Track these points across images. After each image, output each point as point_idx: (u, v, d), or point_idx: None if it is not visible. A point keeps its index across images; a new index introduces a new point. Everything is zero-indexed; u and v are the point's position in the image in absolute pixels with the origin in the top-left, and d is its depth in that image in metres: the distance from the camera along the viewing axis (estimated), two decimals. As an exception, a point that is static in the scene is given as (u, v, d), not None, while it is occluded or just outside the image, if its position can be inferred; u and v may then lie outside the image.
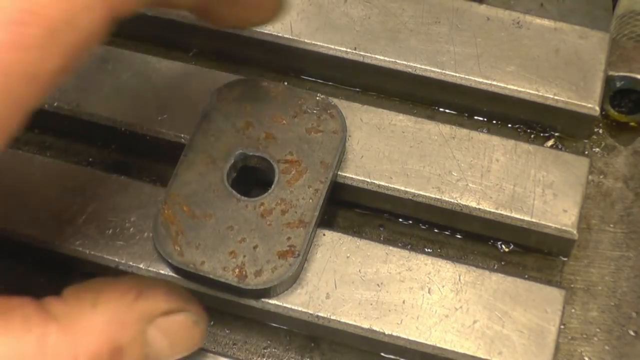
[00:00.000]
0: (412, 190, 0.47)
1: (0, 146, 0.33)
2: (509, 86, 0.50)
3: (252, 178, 0.47)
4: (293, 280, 0.44)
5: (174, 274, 0.45)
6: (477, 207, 0.47)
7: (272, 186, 0.45)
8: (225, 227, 0.44)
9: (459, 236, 0.50)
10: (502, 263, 0.49)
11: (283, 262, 0.43)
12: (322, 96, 0.48)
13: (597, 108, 0.50)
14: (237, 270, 0.43)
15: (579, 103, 0.50)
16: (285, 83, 0.52)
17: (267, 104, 0.48)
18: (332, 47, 0.52)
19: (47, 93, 0.33)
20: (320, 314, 0.44)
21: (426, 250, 0.49)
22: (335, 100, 0.49)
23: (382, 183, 0.48)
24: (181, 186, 0.45)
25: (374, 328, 0.44)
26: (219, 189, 0.45)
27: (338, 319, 0.44)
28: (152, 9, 0.51)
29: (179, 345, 0.40)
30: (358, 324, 0.44)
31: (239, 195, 0.45)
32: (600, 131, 0.53)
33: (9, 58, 0.31)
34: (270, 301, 0.44)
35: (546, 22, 0.52)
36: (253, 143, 0.47)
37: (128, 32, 0.55)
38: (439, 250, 0.49)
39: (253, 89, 0.48)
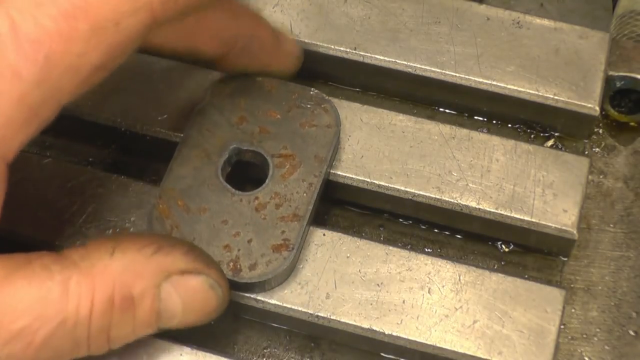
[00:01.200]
0: (412, 190, 0.47)
1: (32, 131, 0.34)
2: (509, 86, 0.50)
3: (246, 173, 0.47)
4: (287, 274, 0.44)
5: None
6: (477, 207, 0.47)
7: (267, 180, 0.46)
8: (220, 221, 0.44)
9: (459, 236, 0.50)
10: (502, 263, 0.49)
11: (277, 256, 0.43)
12: (315, 91, 0.48)
13: (597, 108, 0.50)
14: (231, 263, 0.43)
15: (579, 103, 0.50)
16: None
17: (261, 99, 0.48)
18: (332, 47, 0.52)
19: (84, 89, 0.35)
20: (320, 314, 0.44)
21: (426, 250, 0.49)
22: (335, 100, 0.49)
23: (382, 183, 0.48)
24: (176, 181, 0.45)
25: (374, 328, 0.44)
26: (214, 184, 0.45)
27: (338, 319, 0.44)
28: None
29: (193, 307, 0.40)
30: (358, 324, 0.44)
31: (233, 190, 0.45)
32: (600, 131, 0.53)
33: (56, 48, 0.33)
34: (270, 301, 0.44)
35: (546, 22, 0.52)
36: (247, 137, 0.47)
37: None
38: (439, 250, 0.49)
39: (247, 83, 0.48)
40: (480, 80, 0.51)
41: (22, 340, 0.35)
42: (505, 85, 0.50)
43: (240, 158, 0.47)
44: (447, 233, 0.50)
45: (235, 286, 0.44)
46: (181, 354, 0.43)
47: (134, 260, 0.38)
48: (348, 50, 0.52)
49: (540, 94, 0.50)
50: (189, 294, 0.39)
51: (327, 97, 0.48)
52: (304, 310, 0.44)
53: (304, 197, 0.45)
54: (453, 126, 0.49)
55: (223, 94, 0.48)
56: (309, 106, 0.48)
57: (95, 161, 0.52)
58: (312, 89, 0.48)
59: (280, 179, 0.46)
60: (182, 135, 0.48)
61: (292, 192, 0.45)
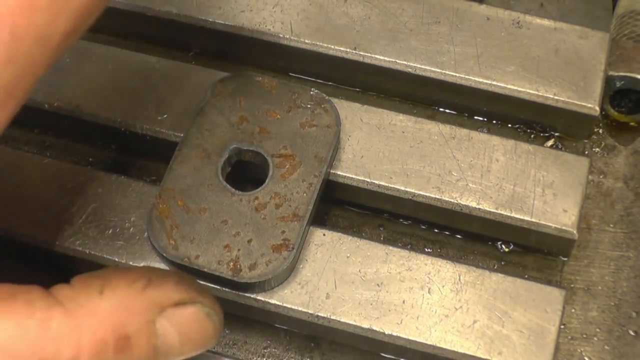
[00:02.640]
0: (412, 190, 0.47)
1: (10, 111, 0.33)
2: (509, 86, 0.50)
3: (245, 173, 0.47)
4: (287, 273, 0.44)
5: (167, 269, 0.45)
6: (477, 207, 0.47)
7: (267, 180, 0.46)
8: (220, 221, 0.44)
9: (459, 236, 0.50)
10: (502, 263, 0.49)
11: (277, 256, 0.43)
12: (315, 90, 0.48)
13: (597, 108, 0.50)
14: (231, 263, 0.43)
15: (579, 103, 0.50)
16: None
17: (261, 99, 0.48)
18: (332, 47, 0.52)
19: (56, 57, 0.34)
20: (320, 314, 0.44)
21: (426, 250, 0.49)
22: (335, 100, 0.49)
23: (382, 183, 0.48)
24: (175, 181, 0.45)
25: (374, 328, 0.44)
26: (214, 184, 0.45)
27: (338, 319, 0.44)
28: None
29: (190, 338, 0.39)
30: (358, 324, 0.44)
31: (233, 190, 0.45)
32: (600, 131, 0.53)
33: (20, 21, 0.32)
34: (270, 301, 0.44)
35: (546, 22, 0.52)
36: (247, 137, 0.47)
37: (128, 32, 0.55)
38: (439, 250, 0.49)
39: (247, 83, 0.48)
40: (480, 80, 0.51)
41: None
42: (505, 85, 0.50)
43: (240, 158, 0.47)
44: (447, 233, 0.50)
45: (235, 286, 0.44)
46: (181, 354, 0.43)
47: (126, 297, 0.36)
48: (348, 50, 0.52)
49: (540, 94, 0.50)
50: (185, 325, 0.38)
51: (327, 97, 0.48)
52: (304, 310, 0.44)
53: (304, 197, 0.45)
54: (453, 126, 0.49)
55: (223, 94, 0.48)
56: (309, 106, 0.48)
57: (95, 161, 0.52)
58: (312, 88, 0.48)
59: (280, 179, 0.46)
60: (182, 135, 0.48)
61: (292, 192, 0.45)
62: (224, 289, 0.45)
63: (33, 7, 0.32)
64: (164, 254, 0.43)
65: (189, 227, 0.44)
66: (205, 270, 0.43)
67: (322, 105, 0.48)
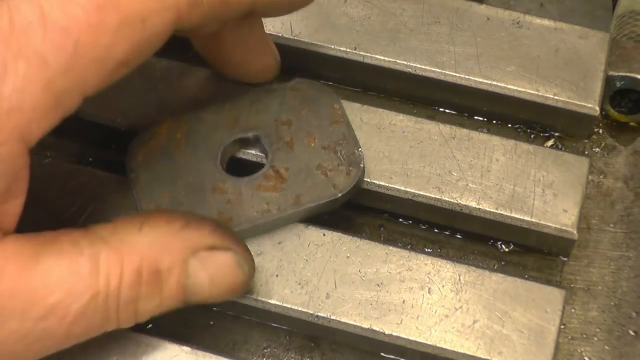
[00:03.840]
0: (412, 190, 0.47)
1: (52, 121, 0.35)
2: (509, 86, 0.50)
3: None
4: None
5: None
6: (477, 207, 0.47)
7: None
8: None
9: (459, 236, 0.50)
10: (502, 263, 0.49)
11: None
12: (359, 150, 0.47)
13: (597, 108, 0.50)
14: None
15: (579, 103, 0.50)
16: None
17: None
18: (332, 47, 0.52)
19: (107, 83, 0.35)
20: (320, 314, 0.44)
21: (426, 250, 0.49)
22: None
23: (382, 183, 0.48)
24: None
25: (374, 328, 0.44)
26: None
27: (338, 319, 0.44)
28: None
29: (219, 284, 0.40)
30: (358, 324, 0.44)
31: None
32: (600, 131, 0.53)
33: (84, 38, 0.33)
34: (270, 301, 0.44)
35: (546, 22, 0.52)
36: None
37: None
38: (439, 250, 0.49)
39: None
40: (480, 80, 0.51)
41: (56, 315, 0.35)
42: (505, 85, 0.50)
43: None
44: (447, 233, 0.50)
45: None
46: (181, 354, 0.43)
47: (162, 235, 0.38)
48: (348, 50, 0.52)
49: (540, 94, 0.50)
50: (216, 270, 0.40)
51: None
52: (304, 310, 0.44)
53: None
54: (453, 126, 0.49)
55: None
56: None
57: (95, 161, 0.52)
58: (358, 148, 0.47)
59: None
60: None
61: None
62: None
63: (100, 29, 0.34)
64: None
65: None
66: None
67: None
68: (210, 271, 0.39)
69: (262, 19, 0.47)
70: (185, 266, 0.39)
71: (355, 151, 0.46)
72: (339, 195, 0.45)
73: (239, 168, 0.47)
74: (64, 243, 0.36)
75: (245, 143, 0.48)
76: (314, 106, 0.48)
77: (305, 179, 0.46)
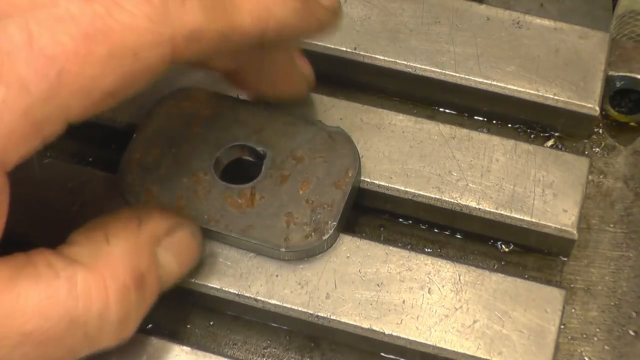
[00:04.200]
0: (412, 190, 0.47)
1: (32, 146, 0.34)
2: (509, 86, 0.50)
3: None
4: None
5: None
6: (477, 207, 0.47)
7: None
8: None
9: (459, 236, 0.50)
10: (502, 263, 0.49)
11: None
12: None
13: (597, 108, 0.50)
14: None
15: (579, 103, 0.50)
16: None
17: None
18: (332, 47, 0.52)
19: (93, 112, 0.35)
20: (320, 314, 0.44)
21: (426, 250, 0.49)
22: (335, 100, 0.49)
23: (382, 183, 0.48)
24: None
25: (374, 328, 0.44)
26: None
27: (338, 319, 0.44)
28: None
29: (185, 260, 0.42)
30: (358, 324, 0.44)
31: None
32: (600, 131, 0.53)
33: (69, 67, 0.33)
34: (270, 301, 0.44)
35: (546, 22, 0.52)
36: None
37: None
38: (439, 250, 0.49)
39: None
40: (480, 80, 0.51)
41: (33, 341, 0.35)
42: (505, 85, 0.50)
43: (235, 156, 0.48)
44: (447, 233, 0.50)
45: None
46: (181, 354, 0.43)
47: (129, 239, 0.38)
48: (348, 50, 0.52)
49: (540, 94, 0.50)
50: (179, 249, 0.41)
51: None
52: (304, 310, 0.44)
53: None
54: (453, 126, 0.49)
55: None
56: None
57: (95, 161, 0.52)
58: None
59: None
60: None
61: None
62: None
63: (87, 59, 0.33)
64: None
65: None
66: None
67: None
68: (175, 253, 0.41)
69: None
70: (157, 259, 0.40)
71: (329, 222, 0.44)
72: (282, 250, 0.44)
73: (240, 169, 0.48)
74: (39, 266, 0.36)
75: (252, 152, 0.47)
76: (331, 161, 0.46)
77: (268, 216, 0.45)
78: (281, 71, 0.47)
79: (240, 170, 0.48)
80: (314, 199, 0.45)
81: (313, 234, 0.44)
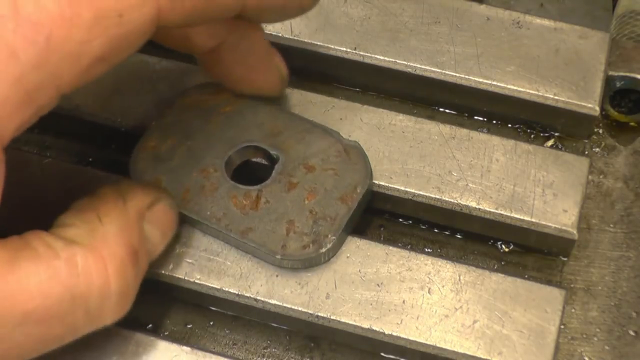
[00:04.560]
0: (412, 190, 0.47)
1: (26, 117, 0.34)
2: (509, 86, 0.50)
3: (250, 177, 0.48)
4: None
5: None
6: (477, 207, 0.47)
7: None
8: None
9: (459, 236, 0.50)
10: (502, 263, 0.49)
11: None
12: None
13: (597, 108, 0.50)
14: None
15: (579, 103, 0.50)
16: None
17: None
18: (332, 47, 0.52)
19: (84, 80, 0.35)
20: (320, 314, 0.44)
21: (426, 250, 0.49)
22: (335, 100, 0.49)
23: (382, 183, 0.48)
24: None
25: (374, 328, 0.44)
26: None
27: (338, 319, 0.44)
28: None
29: (166, 231, 0.43)
30: (358, 324, 0.44)
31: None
32: (600, 131, 0.53)
33: (57, 32, 0.33)
34: (270, 301, 0.44)
35: (546, 22, 0.52)
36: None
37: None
38: (439, 250, 0.49)
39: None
40: (480, 80, 0.51)
41: (35, 320, 0.35)
42: (505, 85, 0.50)
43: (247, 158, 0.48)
44: (447, 233, 0.50)
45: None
46: (181, 354, 0.43)
47: (120, 216, 0.39)
48: (348, 50, 0.52)
49: (540, 94, 0.50)
50: (161, 222, 0.42)
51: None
52: (304, 310, 0.44)
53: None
54: (453, 126, 0.49)
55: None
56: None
57: (95, 161, 0.52)
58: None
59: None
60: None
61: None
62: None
63: (73, 23, 0.33)
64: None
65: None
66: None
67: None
68: (159, 225, 0.42)
69: (265, 37, 0.47)
70: (144, 233, 0.41)
71: (329, 236, 0.44)
72: (278, 257, 0.44)
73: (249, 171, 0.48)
74: (39, 247, 0.36)
75: (265, 155, 0.47)
76: (341, 174, 0.46)
77: (270, 221, 0.45)
78: (256, 57, 0.46)
79: (250, 171, 0.48)
80: (318, 210, 0.45)
81: (311, 244, 0.44)
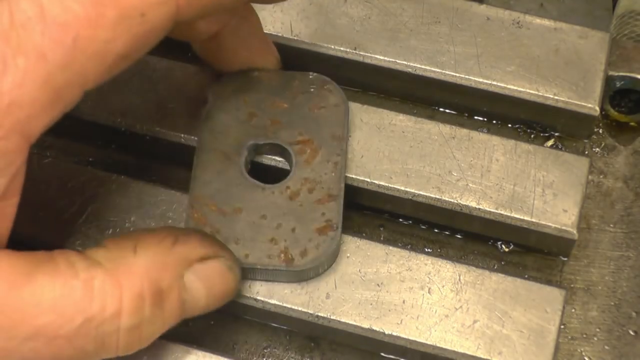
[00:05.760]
0: (412, 190, 0.47)
1: (54, 115, 0.35)
2: (509, 86, 0.50)
3: (265, 174, 0.47)
4: (336, 254, 0.45)
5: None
6: (477, 207, 0.47)
7: (292, 169, 0.46)
8: (259, 216, 0.44)
9: (459, 236, 0.50)
10: (502, 263, 0.49)
11: (324, 238, 0.44)
12: (315, 74, 0.48)
13: (597, 108, 0.50)
14: (282, 255, 0.43)
15: (579, 103, 0.50)
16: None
17: (264, 92, 0.48)
18: (332, 47, 0.52)
19: (107, 77, 0.36)
20: (320, 314, 0.44)
21: (426, 250, 0.49)
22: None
23: (382, 183, 0.48)
24: (203, 187, 0.45)
25: (374, 328, 0.44)
26: (241, 182, 0.45)
27: (338, 319, 0.44)
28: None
29: (215, 292, 0.41)
30: (358, 324, 0.44)
31: (262, 184, 0.45)
32: (600, 131, 0.53)
33: (83, 32, 0.34)
34: (270, 301, 0.44)
35: (546, 22, 0.52)
36: (261, 132, 0.47)
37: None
38: (439, 250, 0.49)
39: (246, 80, 0.48)
40: (480, 80, 0.51)
41: (44, 337, 0.35)
42: (505, 85, 0.50)
43: (260, 153, 0.47)
44: (447, 233, 0.50)
45: (290, 276, 0.44)
46: (181, 354, 0.43)
47: (157, 254, 0.38)
48: (348, 50, 0.52)
49: (540, 94, 0.50)
50: (210, 279, 0.40)
51: (327, 78, 0.48)
52: (304, 310, 0.44)
53: (332, 176, 0.45)
54: (453, 126, 0.49)
55: (225, 94, 0.48)
56: (312, 90, 0.47)
57: (95, 161, 0.52)
58: (310, 72, 0.48)
59: (304, 165, 0.46)
60: (182, 135, 0.48)
61: (321, 174, 0.45)
62: (278, 280, 0.45)
63: (98, 23, 0.34)
64: None
65: (229, 229, 0.44)
66: (258, 267, 0.43)
67: (325, 87, 0.47)
68: (205, 281, 0.40)
69: (261, 20, 0.47)
70: (183, 281, 0.39)
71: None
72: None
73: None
74: (61, 263, 0.36)
75: (287, 158, 0.47)
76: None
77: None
78: (257, 39, 0.47)
79: (263, 167, 0.48)
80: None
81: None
